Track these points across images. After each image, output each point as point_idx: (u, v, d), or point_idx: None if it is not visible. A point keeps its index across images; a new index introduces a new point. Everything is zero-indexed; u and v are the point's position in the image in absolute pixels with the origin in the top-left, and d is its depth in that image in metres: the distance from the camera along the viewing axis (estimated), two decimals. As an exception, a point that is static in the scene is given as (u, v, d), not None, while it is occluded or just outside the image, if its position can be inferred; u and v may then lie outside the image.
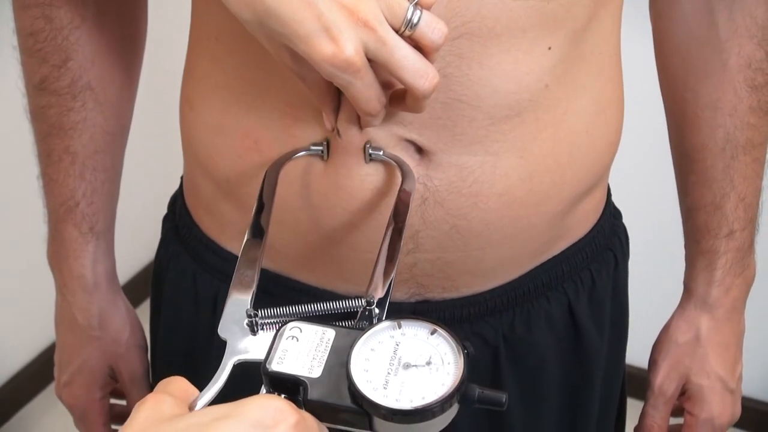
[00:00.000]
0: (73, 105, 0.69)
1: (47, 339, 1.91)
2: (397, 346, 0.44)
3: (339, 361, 0.43)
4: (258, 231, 0.53)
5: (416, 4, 0.47)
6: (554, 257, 0.68)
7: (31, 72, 0.69)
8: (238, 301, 0.48)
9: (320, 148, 0.58)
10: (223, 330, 0.47)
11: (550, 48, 0.57)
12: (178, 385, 0.42)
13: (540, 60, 0.57)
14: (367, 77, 0.48)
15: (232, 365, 0.45)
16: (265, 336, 0.46)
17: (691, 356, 0.76)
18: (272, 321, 0.47)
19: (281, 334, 0.45)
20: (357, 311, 0.48)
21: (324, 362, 0.43)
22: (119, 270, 0.79)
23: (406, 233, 0.60)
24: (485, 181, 0.59)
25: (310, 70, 0.49)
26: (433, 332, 0.44)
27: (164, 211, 0.77)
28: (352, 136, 0.56)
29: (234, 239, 0.67)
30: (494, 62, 0.56)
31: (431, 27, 0.47)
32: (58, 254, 0.75)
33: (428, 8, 0.48)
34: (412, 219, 0.59)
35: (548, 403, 0.72)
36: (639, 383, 0.86)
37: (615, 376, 0.79)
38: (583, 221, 0.70)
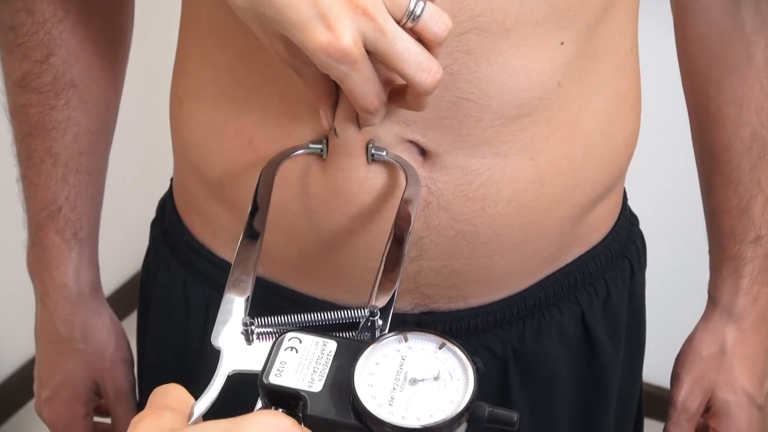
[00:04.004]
0: (55, 103, 0.70)
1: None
2: (403, 361, 0.44)
3: (341, 374, 0.43)
4: (253, 233, 0.53)
5: None
6: (566, 266, 0.68)
7: (11, 68, 0.69)
8: (233, 308, 0.48)
9: (319, 146, 0.58)
10: (217, 338, 0.47)
11: (562, 43, 0.58)
12: (176, 396, 0.42)
13: (552, 56, 0.58)
14: (365, 69, 0.48)
15: (226, 376, 0.45)
16: (260, 346, 0.47)
17: (716, 370, 0.76)
18: (268, 331, 0.47)
19: (279, 345, 0.45)
20: (359, 322, 0.48)
21: (325, 376, 0.43)
22: (103, 281, 0.79)
23: (408, 240, 0.60)
24: (493, 184, 0.59)
25: (305, 62, 0.49)
26: (441, 346, 0.44)
27: (151, 215, 0.77)
28: (350, 136, 0.57)
29: (227, 245, 0.67)
30: (503, 59, 0.56)
31: (435, 19, 0.47)
32: (39, 262, 0.75)
33: (433, 0, 0.48)
34: (415, 224, 0.60)
35: (560, 421, 0.72)
36: (656, 402, 0.86)
37: (631, 394, 0.79)
38: (598, 227, 0.70)
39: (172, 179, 0.75)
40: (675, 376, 0.79)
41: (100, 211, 0.77)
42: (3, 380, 1.89)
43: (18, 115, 0.71)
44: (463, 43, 0.55)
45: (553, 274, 0.68)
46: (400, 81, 0.51)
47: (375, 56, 0.48)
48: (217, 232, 0.67)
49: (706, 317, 0.78)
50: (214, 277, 0.68)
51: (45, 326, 0.77)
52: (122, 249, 1.73)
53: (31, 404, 1.88)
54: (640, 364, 0.80)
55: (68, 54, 0.69)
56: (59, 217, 0.73)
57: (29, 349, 1.94)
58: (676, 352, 0.80)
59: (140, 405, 0.80)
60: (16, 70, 0.69)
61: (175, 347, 0.72)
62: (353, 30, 0.46)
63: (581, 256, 0.69)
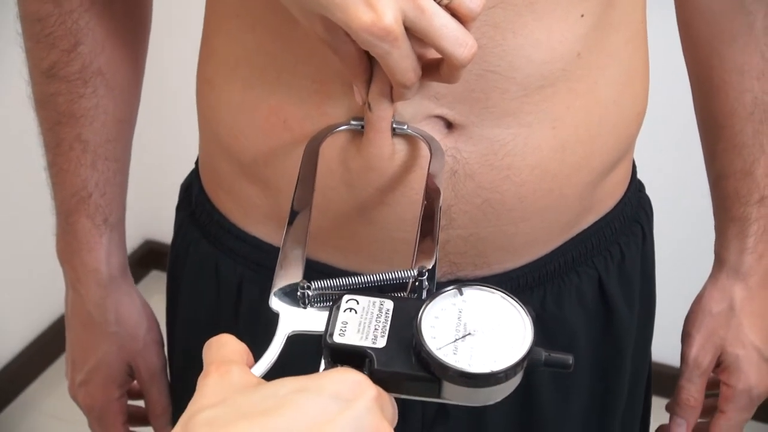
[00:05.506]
0: (84, 91, 0.71)
1: (46, 321, 1.94)
2: (460, 313, 0.47)
3: (403, 330, 0.46)
4: (301, 207, 0.56)
5: None
6: (584, 231, 0.71)
7: (39, 58, 0.71)
8: (287, 274, 0.51)
9: (360, 123, 0.60)
10: (274, 302, 0.50)
11: (582, 15, 0.61)
12: (232, 347, 0.43)
13: (573, 28, 0.61)
14: (405, 46, 0.50)
15: (285, 336, 0.48)
16: (314, 310, 0.49)
17: (725, 326, 0.79)
18: (322, 294, 0.50)
19: (337, 307, 0.48)
20: (406, 283, 0.51)
21: (387, 333, 0.46)
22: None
23: (440, 207, 0.63)
24: (517, 153, 0.62)
25: (344, 41, 0.52)
26: (495, 297, 0.48)
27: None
28: (382, 110, 0.59)
29: (259, 222, 0.69)
30: (528, 31, 0.59)
31: None
32: (69, 248, 0.76)
33: None
34: (444, 193, 0.62)
35: (577, 386, 0.75)
36: (662, 381, 0.89)
37: (642, 358, 0.82)
38: (611, 193, 0.73)
39: (197, 162, 0.77)
40: (686, 335, 0.82)
41: (125, 197, 0.79)
42: (1, 367, 1.90)
43: (46, 104, 0.73)
44: (490, 16, 0.58)
45: (571, 239, 0.71)
46: (433, 56, 0.53)
47: (413, 33, 0.50)
48: (249, 211, 0.69)
49: (714, 276, 0.82)
50: (246, 255, 0.70)
51: (77, 311, 0.79)
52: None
53: (29, 390, 1.89)
54: (651, 328, 0.83)
55: (95, 43, 0.71)
56: (90, 203, 0.74)
57: (27, 335, 1.95)
58: (680, 331, 0.83)
59: (172, 387, 0.82)
60: (44, 60, 0.70)
61: (207, 326, 0.73)
62: (394, 9, 0.48)
63: (597, 222, 0.72)
